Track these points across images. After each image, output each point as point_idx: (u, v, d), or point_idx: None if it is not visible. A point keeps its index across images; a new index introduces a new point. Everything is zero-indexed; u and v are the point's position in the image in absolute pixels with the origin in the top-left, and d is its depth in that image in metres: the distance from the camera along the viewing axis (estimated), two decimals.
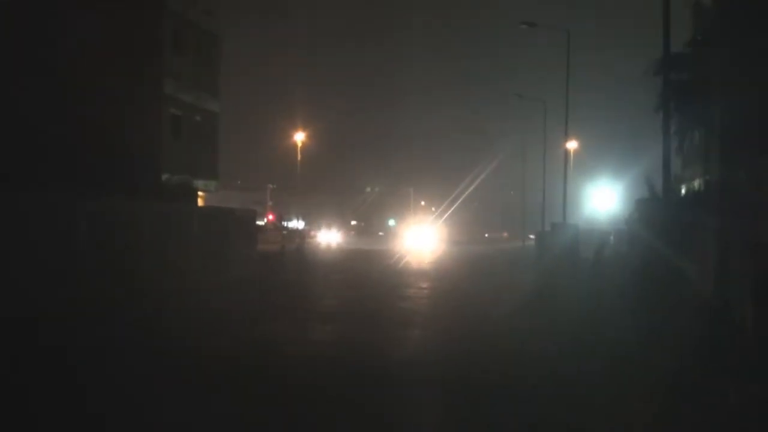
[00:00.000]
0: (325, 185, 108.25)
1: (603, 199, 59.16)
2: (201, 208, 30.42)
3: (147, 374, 9.99)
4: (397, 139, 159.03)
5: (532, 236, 62.95)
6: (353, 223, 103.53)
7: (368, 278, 27.77)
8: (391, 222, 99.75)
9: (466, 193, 78.96)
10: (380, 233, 69.37)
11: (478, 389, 9.67)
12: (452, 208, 76.60)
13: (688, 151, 29.64)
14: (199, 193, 32.94)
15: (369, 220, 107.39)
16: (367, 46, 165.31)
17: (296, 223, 74.26)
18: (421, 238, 60.85)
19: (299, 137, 67.59)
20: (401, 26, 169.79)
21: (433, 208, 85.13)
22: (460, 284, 26.51)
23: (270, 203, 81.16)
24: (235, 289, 21.71)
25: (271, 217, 72.26)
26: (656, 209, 19.80)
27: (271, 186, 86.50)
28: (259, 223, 47.86)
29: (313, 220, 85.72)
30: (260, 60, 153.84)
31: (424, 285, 25.44)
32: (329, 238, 62.60)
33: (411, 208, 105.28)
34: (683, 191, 23.23)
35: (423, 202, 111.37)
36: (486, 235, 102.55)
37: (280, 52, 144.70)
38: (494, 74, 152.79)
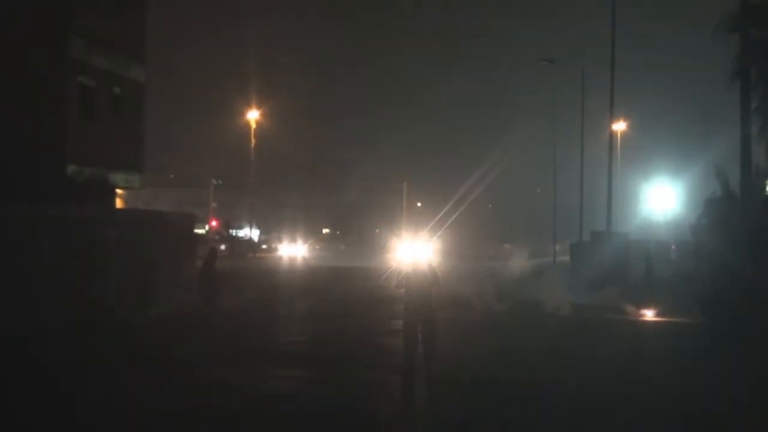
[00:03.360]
0: (293, 183, 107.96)
1: (660, 200, 59.23)
2: (120, 211, 30.13)
3: None
4: (386, 120, 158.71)
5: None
6: (325, 231, 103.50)
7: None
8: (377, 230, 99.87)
9: (477, 191, 78.83)
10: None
11: None
12: (458, 211, 76.41)
13: None
14: (118, 191, 32.65)
15: (348, 227, 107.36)
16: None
17: (249, 232, 73.83)
18: (417, 252, 60.60)
19: (253, 115, 66.69)
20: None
21: (433, 211, 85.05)
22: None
23: (214, 204, 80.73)
24: (164, 325, 21.43)
25: (214, 223, 71.98)
26: (732, 212, 19.69)
27: (215, 182, 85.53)
28: (199, 231, 47.52)
29: (273, 227, 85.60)
30: (216, 27, 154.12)
31: None
32: (293, 251, 62.42)
33: (404, 212, 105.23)
34: None
35: (420, 203, 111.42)
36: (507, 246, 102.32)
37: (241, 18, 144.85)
38: (519, 37, 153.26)
